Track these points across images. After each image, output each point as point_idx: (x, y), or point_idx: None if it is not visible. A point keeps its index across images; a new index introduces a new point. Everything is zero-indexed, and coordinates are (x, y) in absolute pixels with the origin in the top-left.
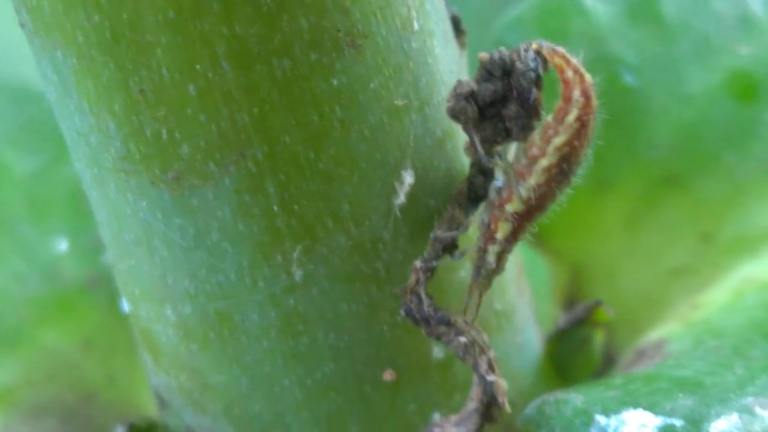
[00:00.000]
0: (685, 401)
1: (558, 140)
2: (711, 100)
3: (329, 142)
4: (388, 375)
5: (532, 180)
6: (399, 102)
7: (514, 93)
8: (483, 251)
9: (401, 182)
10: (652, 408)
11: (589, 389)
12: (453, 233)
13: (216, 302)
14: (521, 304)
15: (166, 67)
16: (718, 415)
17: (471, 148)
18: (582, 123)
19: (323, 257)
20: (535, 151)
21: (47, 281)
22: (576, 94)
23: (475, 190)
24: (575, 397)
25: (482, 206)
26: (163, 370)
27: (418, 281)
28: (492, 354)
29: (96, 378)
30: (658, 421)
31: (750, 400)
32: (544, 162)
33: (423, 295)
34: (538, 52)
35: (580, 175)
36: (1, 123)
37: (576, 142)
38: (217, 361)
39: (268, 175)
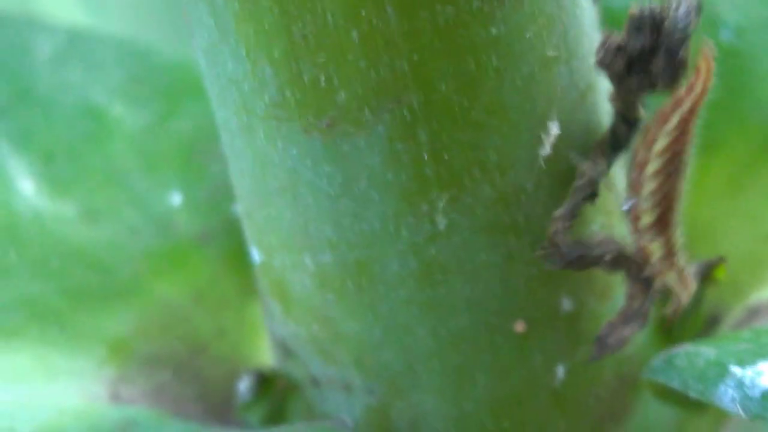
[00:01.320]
0: None
1: (659, 145)
2: None
3: (483, 90)
4: (520, 326)
5: (647, 189)
6: (550, 53)
7: (662, 48)
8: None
9: (547, 133)
10: None
11: (720, 342)
12: (594, 181)
13: (357, 251)
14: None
15: (330, 12)
16: None
17: (617, 98)
18: (683, 128)
19: (467, 207)
20: (640, 158)
21: (161, 234)
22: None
23: (617, 139)
24: (706, 350)
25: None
26: (292, 320)
27: (557, 230)
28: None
29: (207, 331)
30: None
31: None
32: (650, 168)
33: (562, 243)
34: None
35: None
36: (108, 77)
37: (678, 145)
38: (352, 309)
39: (422, 123)
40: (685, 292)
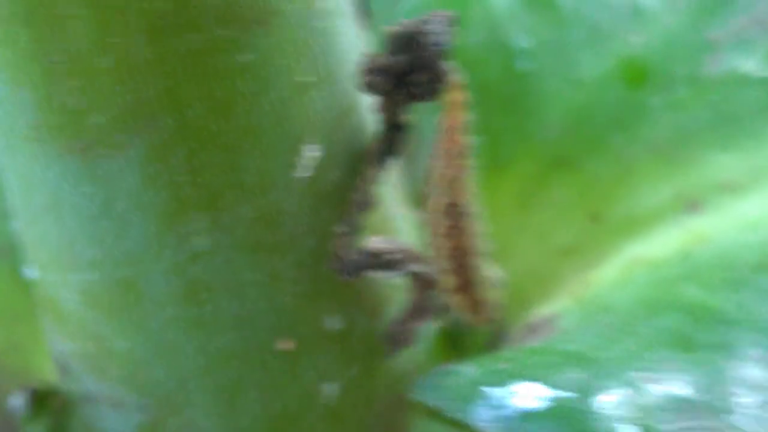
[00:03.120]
0: (574, 374)
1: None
2: (601, 85)
3: (235, 114)
4: (288, 344)
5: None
6: (303, 78)
7: (421, 63)
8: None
9: (305, 155)
10: (542, 380)
11: (482, 361)
12: (370, 192)
13: (122, 270)
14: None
15: (79, 38)
16: (606, 389)
17: (383, 109)
18: (456, 154)
19: (228, 227)
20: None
21: None
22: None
23: (388, 145)
24: (468, 369)
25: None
26: (67, 337)
27: (342, 245)
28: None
29: None
30: (548, 392)
31: (637, 374)
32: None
33: (346, 255)
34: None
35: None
36: None
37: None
38: (122, 327)
39: (176, 146)
40: (478, 318)
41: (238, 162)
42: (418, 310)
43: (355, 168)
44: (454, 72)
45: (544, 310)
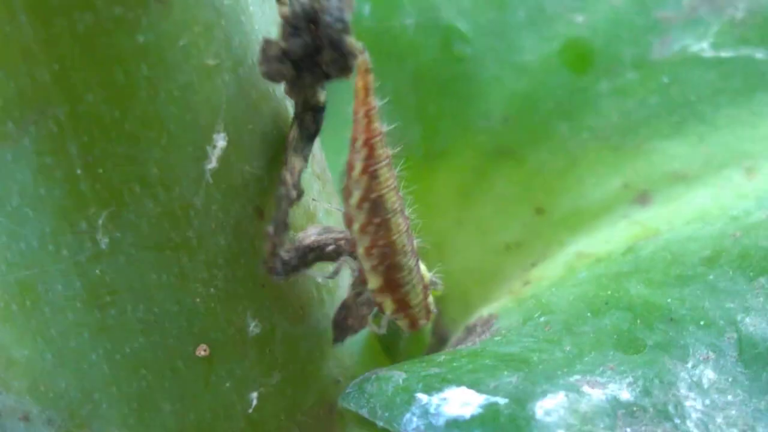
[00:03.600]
0: (510, 378)
1: (356, 171)
2: (545, 70)
3: (135, 101)
4: (202, 350)
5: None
6: (210, 61)
7: (326, 41)
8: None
9: (213, 146)
10: (475, 386)
11: (413, 366)
12: (296, 180)
13: (18, 271)
14: (344, 276)
15: None
16: (543, 394)
17: (294, 93)
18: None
19: (130, 224)
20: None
21: None
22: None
23: (307, 128)
24: (397, 375)
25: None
26: None
27: (275, 244)
28: None
29: None
30: (481, 399)
31: (577, 378)
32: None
33: (283, 253)
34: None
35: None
36: None
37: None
38: (20, 334)
39: (71, 136)
40: (409, 322)
41: (140, 153)
42: (363, 295)
43: (270, 160)
44: (362, 54)
45: (484, 310)
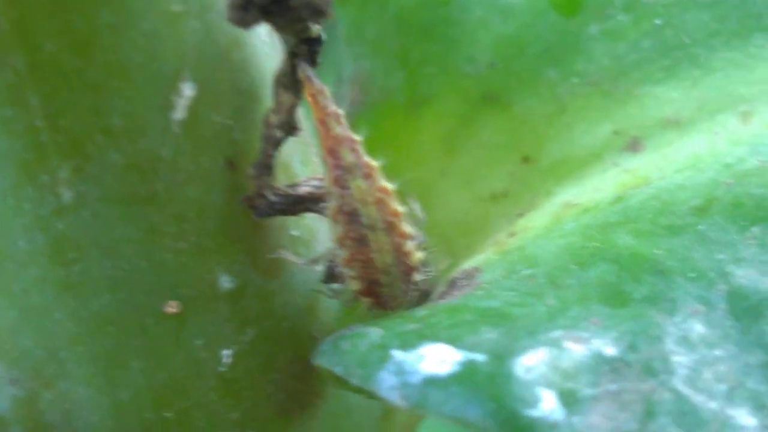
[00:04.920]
0: (489, 334)
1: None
2: (533, 13)
3: (98, 49)
4: (172, 307)
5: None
6: (176, 7)
7: None
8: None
9: (180, 95)
10: (453, 342)
11: (390, 322)
12: (284, 119)
13: None
14: (321, 229)
15: None
16: (524, 350)
17: (279, 30)
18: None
19: (95, 177)
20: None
21: None
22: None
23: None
24: (373, 331)
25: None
26: None
27: (259, 185)
28: None
29: None
30: (459, 356)
31: (559, 333)
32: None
33: (269, 195)
34: None
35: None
36: None
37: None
38: None
39: (30, 86)
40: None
41: (104, 103)
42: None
43: (241, 109)
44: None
45: (467, 263)
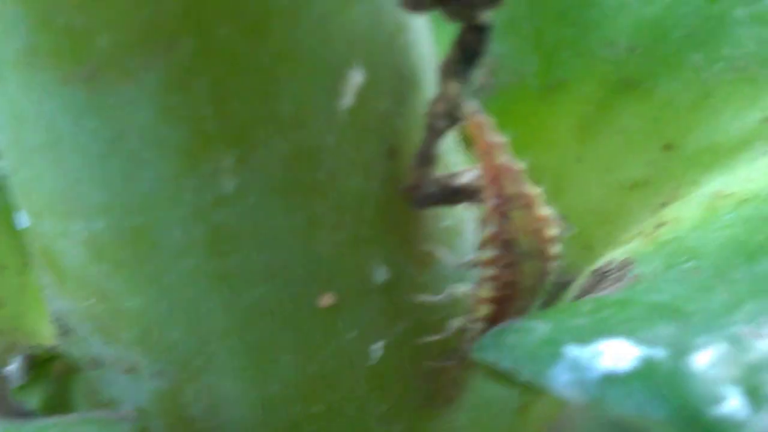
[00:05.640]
0: (665, 330)
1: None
2: None
3: (271, 33)
4: (327, 299)
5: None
6: None
7: None
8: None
9: (348, 81)
10: (629, 337)
11: (555, 316)
12: (448, 108)
13: (133, 216)
14: (470, 218)
15: None
16: (704, 345)
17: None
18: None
19: (259, 166)
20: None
21: None
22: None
23: (471, 49)
24: (539, 325)
25: None
26: (67, 293)
27: (422, 175)
28: None
29: None
30: (637, 351)
31: (740, 327)
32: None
33: (431, 185)
34: None
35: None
36: None
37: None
38: (132, 282)
39: (200, 72)
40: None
41: (273, 90)
42: None
43: (402, 96)
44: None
45: (613, 254)
